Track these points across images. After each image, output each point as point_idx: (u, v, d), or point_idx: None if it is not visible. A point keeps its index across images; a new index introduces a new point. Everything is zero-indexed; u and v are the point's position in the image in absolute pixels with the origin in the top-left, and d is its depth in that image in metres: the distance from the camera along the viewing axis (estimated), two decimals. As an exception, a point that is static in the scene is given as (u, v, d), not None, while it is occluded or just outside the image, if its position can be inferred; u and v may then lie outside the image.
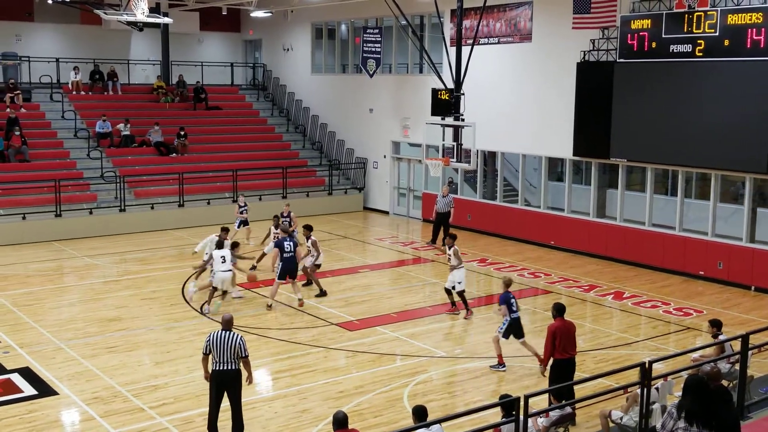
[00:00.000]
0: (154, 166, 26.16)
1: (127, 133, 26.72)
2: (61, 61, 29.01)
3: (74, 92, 28.50)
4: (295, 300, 16.50)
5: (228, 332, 9.84)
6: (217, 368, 9.81)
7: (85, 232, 22.93)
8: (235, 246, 16.32)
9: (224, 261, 15.44)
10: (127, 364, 12.87)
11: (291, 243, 16.23)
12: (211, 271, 15.76)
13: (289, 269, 16.09)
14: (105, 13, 23.49)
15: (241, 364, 9.88)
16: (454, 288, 15.62)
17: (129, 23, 24.73)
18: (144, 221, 24.04)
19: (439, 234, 22.18)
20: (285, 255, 16.04)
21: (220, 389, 9.88)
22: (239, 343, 9.78)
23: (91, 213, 23.47)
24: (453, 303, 15.86)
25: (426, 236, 23.35)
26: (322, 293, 16.96)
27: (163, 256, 20.99)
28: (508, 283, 12.92)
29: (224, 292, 15.76)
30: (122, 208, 23.99)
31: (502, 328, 12.65)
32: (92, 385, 11.94)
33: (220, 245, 15.81)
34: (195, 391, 11.70)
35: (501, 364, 12.73)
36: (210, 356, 9.87)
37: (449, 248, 15.79)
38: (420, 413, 8.17)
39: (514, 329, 12.61)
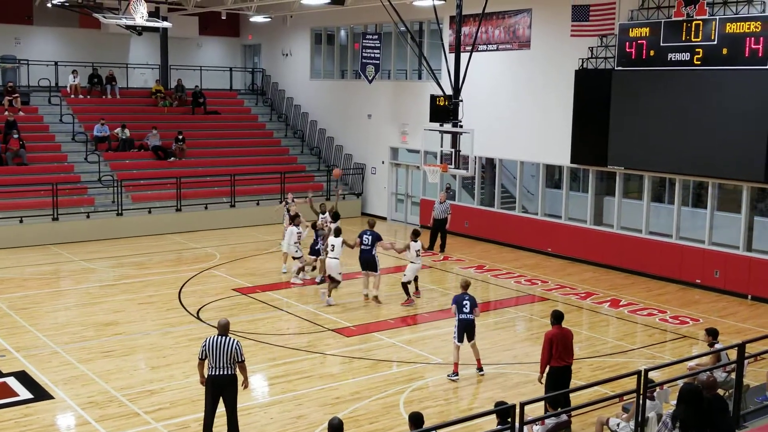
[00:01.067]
0: (151, 171, 26.16)
1: (126, 137, 26.72)
2: (59, 65, 29.04)
3: (73, 96, 28.49)
4: (292, 305, 16.51)
5: (224, 337, 9.83)
6: (213, 373, 9.80)
7: (82, 235, 22.91)
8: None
9: (333, 249, 16.38)
10: (123, 369, 12.85)
11: (369, 236, 16.88)
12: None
13: (363, 261, 16.87)
14: (104, 17, 23.50)
15: (238, 369, 9.87)
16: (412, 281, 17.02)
17: (128, 27, 24.73)
18: (141, 225, 24.02)
19: (437, 240, 22.20)
20: (362, 247, 16.83)
21: (216, 394, 9.86)
22: (236, 347, 9.76)
23: (88, 217, 23.45)
24: (408, 294, 16.99)
25: (423, 242, 23.27)
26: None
27: (160, 260, 20.98)
28: (465, 285, 13.10)
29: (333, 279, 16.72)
30: (119, 212, 23.97)
31: (455, 332, 12.77)
32: (88, 390, 11.93)
33: (338, 233, 16.66)
34: (191, 396, 11.68)
35: (455, 373, 12.68)
36: (206, 361, 9.86)
37: (412, 242, 16.81)
38: (416, 420, 8.16)
39: (465, 330, 12.73)
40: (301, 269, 18.57)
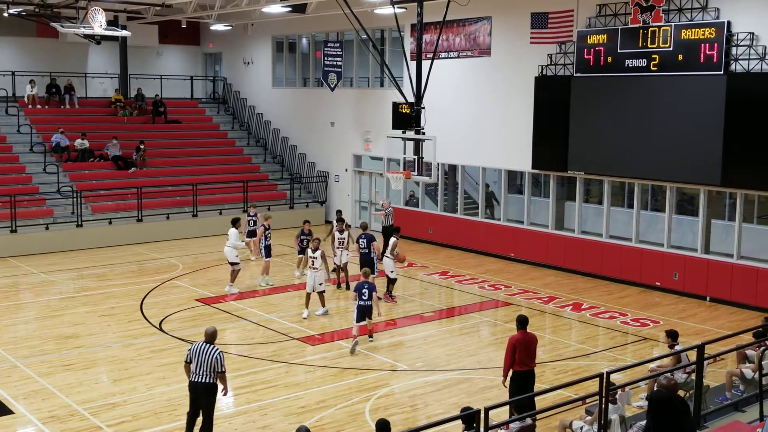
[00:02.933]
0: (111, 181, 25.86)
1: (85, 147, 26.37)
2: (17, 75, 28.59)
3: (30, 106, 28.09)
4: (256, 314, 16.43)
5: (210, 345, 9.94)
6: (194, 379, 9.94)
7: (41, 247, 22.54)
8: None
9: (313, 263, 16.23)
10: (84, 382, 12.66)
11: (364, 239, 17.70)
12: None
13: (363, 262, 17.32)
14: (62, 26, 23.18)
15: (218, 378, 9.94)
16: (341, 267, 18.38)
17: (86, 36, 24.43)
18: (102, 237, 23.71)
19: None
20: (361, 251, 17.70)
21: (195, 399, 10.00)
22: (216, 357, 9.84)
23: (47, 228, 23.09)
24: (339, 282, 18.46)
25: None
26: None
27: (121, 271, 20.72)
28: (365, 274, 14.60)
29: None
30: (79, 223, 23.64)
31: (356, 315, 14.30)
32: (49, 404, 11.73)
33: (389, 233, 17.43)
34: (154, 409, 11.56)
35: (354, 340, 14.23)
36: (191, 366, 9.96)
37: (340, 233, 18.19)
38: (383, 427, 8.15)
39: (364, 314, 14.28)
40: (235, 277, 18.43)
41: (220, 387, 10.02)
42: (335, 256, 18.59)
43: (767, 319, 11.97)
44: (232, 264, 18.26)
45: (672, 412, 7.49)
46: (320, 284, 16.25)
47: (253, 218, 20.84)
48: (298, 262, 19.96)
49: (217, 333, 10.30)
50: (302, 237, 19.27)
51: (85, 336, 15.12)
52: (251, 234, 20.73)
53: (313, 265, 16.15)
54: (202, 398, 9.95)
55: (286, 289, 18.81)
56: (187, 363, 10.03)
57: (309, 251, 16.42)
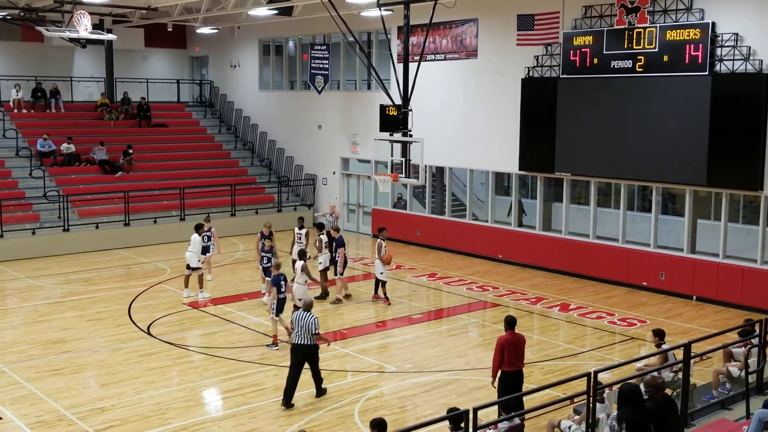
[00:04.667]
0: (98, 185, 25.73)
1: (71, 151, 26.26)
2: (2, 79, 28.44)
3: (16, 110, 27.94)
4: (244, 318, 16.41)
5: (307, 313, 11.81)
6: (296, 341, 11.82)
7: (27, 252, 22.42)
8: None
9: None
10: (72, 387, 12.60)
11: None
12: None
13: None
14: (47, 30, 23.03)
15: (315, 339, 11.77)
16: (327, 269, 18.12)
17: (72, 40, 24.26)
18: (88, 241, 23.61)
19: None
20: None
21: (299, 360, 11.80)
22: (312, 321, 11.72)
23: (33, 233, 22.96)
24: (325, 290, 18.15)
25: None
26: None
27: (108, 276, 20.64)
28: (277, 266, 15.12)
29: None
30: (66, 228, 23.53)
31: (273, 308, 14.51)
32: (36, 409, 11.67)
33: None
34: (142, 413, 11.53)
35: (275, 344, 14.49)
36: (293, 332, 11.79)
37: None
38: (380, 426, 8.21)
39: (281, 307, 14.60)
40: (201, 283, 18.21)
41: (322, 345, 12.04)
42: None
43: (748, 320, 12.06)
44: (195, 269, 18.01)
45: (641, 402, 7.59)
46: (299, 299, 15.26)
47: (208, 233, 18.97)
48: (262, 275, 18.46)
49: (314, 303, 12.57)
50: (263, 241, 18.34)
51: (73, 341, 15.06)
52: (206, 250, 18.90)
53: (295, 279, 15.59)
54: (306, 356, 11.83)
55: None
56: (291, 329, 12.01)
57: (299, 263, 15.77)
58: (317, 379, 12.17)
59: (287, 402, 11.75)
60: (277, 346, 14.47)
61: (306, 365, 11.93)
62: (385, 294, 17.82)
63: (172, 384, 12.82)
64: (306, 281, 15.73)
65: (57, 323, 16.22)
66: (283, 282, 14.70)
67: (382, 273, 17.67)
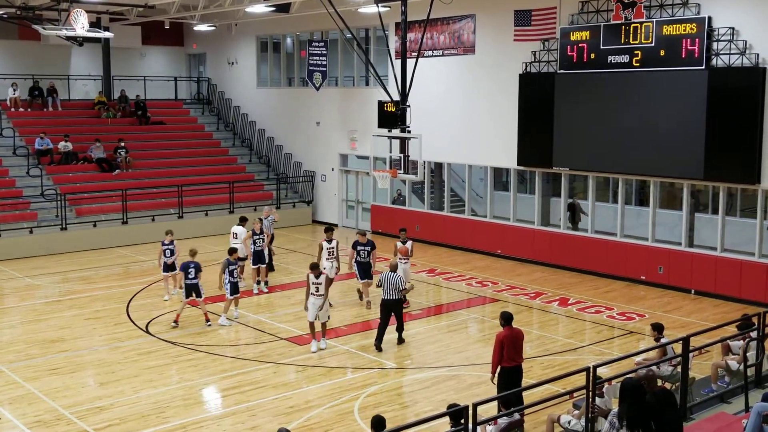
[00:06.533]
0: (96, 183, 25.70)
1: (68, 150, 26.22)
2: (-2, 78, 28.42)
3: (13, 109, 27.88)
4: (243, 316, 16.43)
5: (393, 273, 14.27)
6: (384, 297, 14.12)
7: (25, 251, 22.39)
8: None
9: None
10: (70, 386, 12.59)
11: (366, 248, 17.27)
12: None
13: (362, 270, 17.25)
14: (44, 29, 23.00)
15: (400, 294, 14.16)
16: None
17: (68, 38, 24.27)
18: (86, 239, 23.59)
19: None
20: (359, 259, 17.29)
21: (387, 311, 14.11)
22: (398, 280, 14.19)
23: (31, 232, 22.94)
24: None
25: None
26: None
27: (107, 274, 20.62)
28: (192, 253, 15.86)
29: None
30: (63, 226, 23.51)
31: (183, 292, 15.67)
32: (34, 409, 11.66)
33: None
34: (141, 411, 11.52)
35: (176, 322, 15.54)
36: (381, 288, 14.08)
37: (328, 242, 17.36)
38: (378, 424, 8.20)
39: (192, 290, 15.59)
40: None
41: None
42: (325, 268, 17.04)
43: (745, 315, 12.06)
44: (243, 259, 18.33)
45: (643, 399, 7.57)
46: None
47: (170, 247, 17.62)
48: (254, 273, 18.41)
49: (398, 265, 15.27)
50: (254, 237, 18.21)
51: (71, 339, 15.04)
52: (168, 268, 17.61)
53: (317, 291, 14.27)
54: (393, 308, 14.16)
55: (273, 289, 18.77)
56: (378, 286, 14.33)
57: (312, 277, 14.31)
58: (400, 328, 14.46)
59: (378, 345, 14.14)
60: (176, 324, 15.54)
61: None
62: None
63: (171, 382, 12.81)
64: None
65: (55, 322, 16.21)
66: (192, 269, 15.55)
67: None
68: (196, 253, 16.04)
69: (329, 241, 17.38)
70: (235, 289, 15.93)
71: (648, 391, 7.86)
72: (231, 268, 15.89)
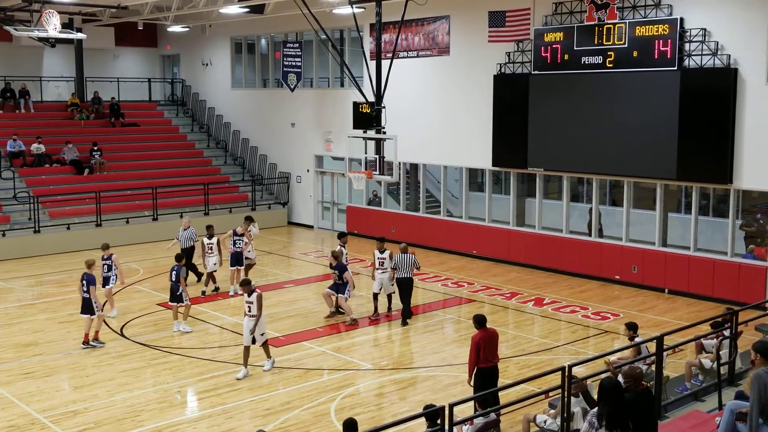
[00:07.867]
0: (69, 186, 25.45)
1: (41, 152, 25.93)
2: (-31, 79, 28.05)
3: (-17, 111, 27.57)
4: (218, 318, 16.33)
5: (406, 254, 15.77)
6: (399, 275, 15.80)
7: (-3, 255, 22.15)
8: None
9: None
10: (44, 390, 12.46)
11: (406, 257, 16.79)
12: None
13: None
14: (15, 29, 22.74)
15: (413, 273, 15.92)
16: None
17: (41, 39, 24.01)
18: (60, 242, 23.35)
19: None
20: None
21: (402, 288, 15.82)
22: (413, 260, 15.90)
23: (4, 235, 22.66)
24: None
25: (350, 249, 23.24)
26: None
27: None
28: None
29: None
30: (36, 229, 23.25)
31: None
32: (8, 413, 11.53)
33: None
34: (116, 415, 11.43)
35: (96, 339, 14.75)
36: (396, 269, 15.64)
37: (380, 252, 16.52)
38: (350, 426, 8.17)
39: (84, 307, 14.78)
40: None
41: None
42: (374, 279, 16.60)
43: (729, 309, 12.18)
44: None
45: (622, 398, 7.60)
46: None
47: (108, 262, 16.38)
48: (232, 275, 18.26)
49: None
50: (235, 239, 18.09)
51: (45, 343, 14.89)
52: (106, 282, 16.33)
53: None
54: (407, 285, 15.83)
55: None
56: (393, 269, 15.85)
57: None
58: (407, 304, 15.93)
59: (404, 321, 15.87)
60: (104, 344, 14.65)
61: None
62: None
63: (146, 386, 12.72)
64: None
65: (28, 326, 16.03)
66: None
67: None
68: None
69: (381, 250, 16.47)
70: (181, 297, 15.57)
71: (628, 388, 7.88)
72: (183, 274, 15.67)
